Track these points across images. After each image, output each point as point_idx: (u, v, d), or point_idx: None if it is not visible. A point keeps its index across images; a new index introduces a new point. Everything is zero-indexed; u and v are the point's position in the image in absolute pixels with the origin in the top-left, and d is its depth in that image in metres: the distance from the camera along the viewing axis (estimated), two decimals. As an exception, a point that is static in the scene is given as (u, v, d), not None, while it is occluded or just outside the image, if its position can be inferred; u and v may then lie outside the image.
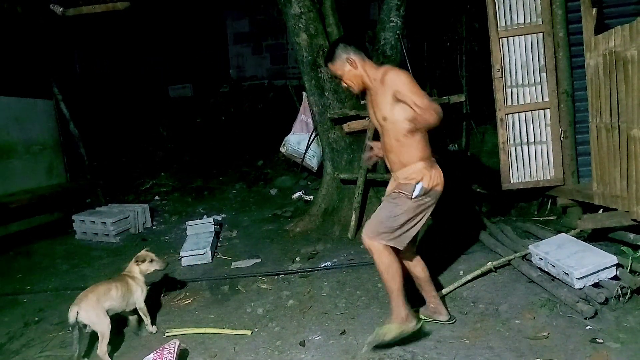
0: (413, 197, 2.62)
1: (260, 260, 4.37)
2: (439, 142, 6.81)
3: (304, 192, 6.26)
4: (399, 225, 2.62)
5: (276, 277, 3.94)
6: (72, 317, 2.82)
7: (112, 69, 8.61)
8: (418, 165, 2.67)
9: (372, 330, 2.91)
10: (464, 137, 6.53)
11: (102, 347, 2.83)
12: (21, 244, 5.31)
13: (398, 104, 2.58)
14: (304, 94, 5.53)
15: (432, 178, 2.66)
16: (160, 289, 3.87)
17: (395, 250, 2.68)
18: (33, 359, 3.03)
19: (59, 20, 6.28)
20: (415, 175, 2.65)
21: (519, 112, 4.55)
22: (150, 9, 8.18)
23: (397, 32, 5.06)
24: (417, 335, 2.75)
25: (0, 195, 5.29)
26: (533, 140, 4.56)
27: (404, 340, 2.74)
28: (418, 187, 2.62)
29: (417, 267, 2.92)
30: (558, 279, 3.16)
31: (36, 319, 3.59)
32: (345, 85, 2.80)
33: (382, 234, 2.62)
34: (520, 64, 4.51)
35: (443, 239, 4.19)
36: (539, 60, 4.48)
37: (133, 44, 9.00)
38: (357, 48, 2.74)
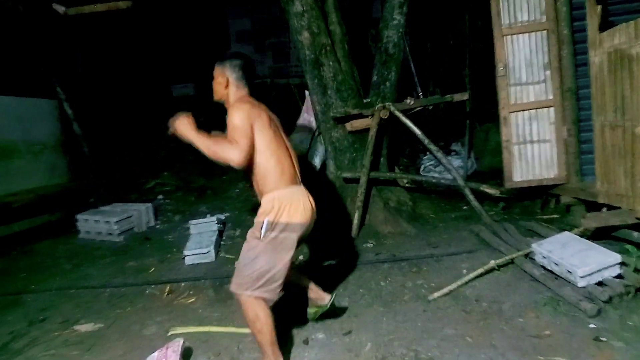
0: (262, 236, 2.43)
1: (263, 259, 4.37)
2: (442, 141, 6.81)
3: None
4: (258, 272, 2.42)
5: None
6: None
7: (115, 68, 8.61)
8: (270, 196, 2.48)
9: (375, 328, 2.93)
10: (467, 135, 6.52)
11: None
12: (24, 243, 5.33)
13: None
14: (306, 92, 5.52)
15: (280, 209, 2.44)
16: (164, 288, 3.88)
17: None
18: (37, 358, 3.03)
19: (61, 19, 6.28)
20: (264, 208, 2.47)
21: (522, 111, 4.54)
22: (153, 7, 8.18)
23: (400, 30, 5.05)
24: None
25: (3, 195, 5.30)
26: (537, 139, 4.55)
27: (406, 339, 2.75)
28: (265, 223, 2.43)
29: (303, 280, 2.94)
30: (561, 277, 3.15)
31: (40, 318, 3.60)
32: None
33: (245, 284, 2.43)
34: (524, 61, 4.50)
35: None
36: (543, 58, 4.46)
37: (135, 43, 9.00)
38: (244, 77, 2.64)
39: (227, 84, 2.63)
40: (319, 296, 2.96)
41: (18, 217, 5.41)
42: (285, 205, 2.46)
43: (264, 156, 2.46)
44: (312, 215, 2.59)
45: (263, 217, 2.45)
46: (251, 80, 2.69)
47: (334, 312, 3.05)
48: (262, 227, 2.43)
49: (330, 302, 2.94)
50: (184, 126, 2.46)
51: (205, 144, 2.36)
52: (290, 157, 2.62)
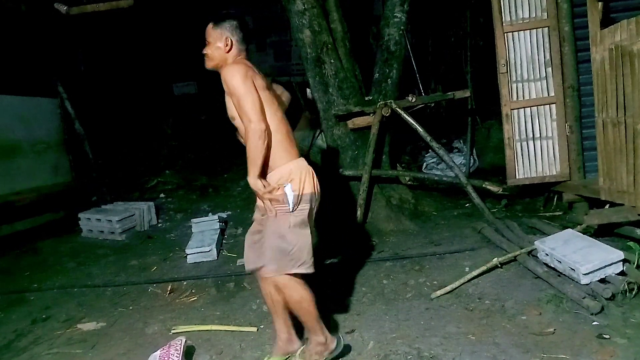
0: (290, 209, 2.34)
1: (265, 257, 4.37)
2: (444, 138, 6.80)
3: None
4: (292, 248, 2.34)
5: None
6: None
7: (117, 67, 8.61)
8: (286, 168, 2.38)
9: (378, 326, 2.93)
10: (469, 132, 6.51)
11: None
12: (27, 242, 5.34)
13: None
14: (308, 90, 5.52)
15: (301, 181, 2.37)
16: (166, 287, 3.89)
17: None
18: (41, 357, 3.04)
19: (62, 18, 6.28)
20: (281, 181, 2.36)
21: (524, 108, 4.53)
22: (154, 6, 8.18)
23: (402, 27, 5.04)
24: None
25: (6, 194, 5.31)
26: (539, 136, 4.54)
27: (408, 337, 2.75)
28: (290, 195, 2.34)
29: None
30: (564, 274, 3.15)
31: (43, 316, 3.61)
32: (204, 51, 2.51)
33: (283, 265, 2.34)
34: (526, 58, 4.49)
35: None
36: (544, 55, 4.45)
37: (137, 41, 9.01)
38: (244, 38, 2.49)
39: (230, 47, 2.45)
40: (291, 338, 2.61)
41: (21, 216, 5.43)
42: (302, 177, 2.39)
43: (271, 125, 2.34)
44: (318, 189, 2.50)
45: (283, 189, 2.34)
46: (249, 42, 2.54)
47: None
48: (289, 199, 2.33)
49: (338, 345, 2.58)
50: (255, 186, 2.33)
51: (254, 159, 2.28)
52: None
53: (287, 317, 2.57)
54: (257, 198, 2.47)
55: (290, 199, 2.35)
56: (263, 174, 2.35)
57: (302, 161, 2.47)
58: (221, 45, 2.45)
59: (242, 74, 2.28)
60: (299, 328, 2.65)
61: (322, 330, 2.50)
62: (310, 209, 2.43)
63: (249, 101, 2.25)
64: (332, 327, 2.97)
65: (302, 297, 2.41)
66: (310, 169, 2.47)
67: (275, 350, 2.62)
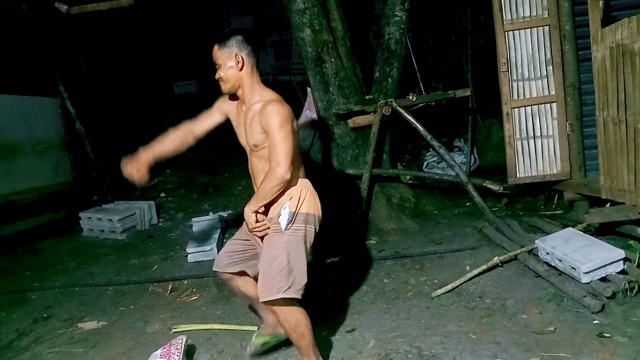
0: (284, 228, 2.29)
1: (266, 256, 4.38)
2: (444, 137, 6.80)
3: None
4: (287, 269, 2.24)
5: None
6: None
7: (117, 66, 8.62)
8: (293, 191, 2.36)
9: (378, 325, 2.93)
10: (469, 131, 6.51)
11: None
12: (29, 241, 5.34)
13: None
14: (308, 89, 5.51)
15: (304, 200, 2.34)
16: (167, 286, 3.90)
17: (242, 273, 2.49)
18: (42, 356, 3.05)
19: (63, 18, 6.29)
20: (285, 199, 2.34)
21: (525, 106, 4.53)
22: (155, 5, 8.18)
23: (402, 26, 5.04)
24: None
25: (7, 194, 5.32)
26: (539, 134, 4.54)
27: (409, 335, 2.75)
28: (287, 214, 2.30)
29: (249, 284, 2.56)
30: (565, 273, 3.15)
31: (45, 315, 3.62)
32: (217, 76, 2.42)
33: (277, 286, 2.21)
34: (526, 57, 4.48)
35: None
36: (545, 54, 4.45)
37: (137, 41, 9.01)
38: (253, 51, 2.39)
39: (242, 64, 2.35)
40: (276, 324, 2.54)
41: (22, 216, 5.43)
42: (302, 195, 2.35)
43: (294, 161, 2.32)
44: (319, 212, 2.45)
45: (286, 208, 2.31)
46: (258, 54, 2.45)
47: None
48: (284, 218, 2.29)
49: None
50: (248, 218, 2.36)
51: (264, 197, 2.29)
52: None
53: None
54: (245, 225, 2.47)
55: (285, 216, 2.30)
56: (264, 208, 2.37)
57: (307, 182, 2.44)
58: (233, 64, 2.35)
59: (288, 117, 2.26)
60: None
61: (317, 357, 2.40)
62: (306, 231, 2.34)
63: (286, 147, 2.22)
64: (333, 326, 2.98)
65: (298, 320, 2.29)
66: (314, 191, 2.42)
67: (263, 331, 2.63)
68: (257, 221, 2.35)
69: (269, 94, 2.37)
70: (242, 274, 2.55)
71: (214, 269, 2.64)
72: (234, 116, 2.54)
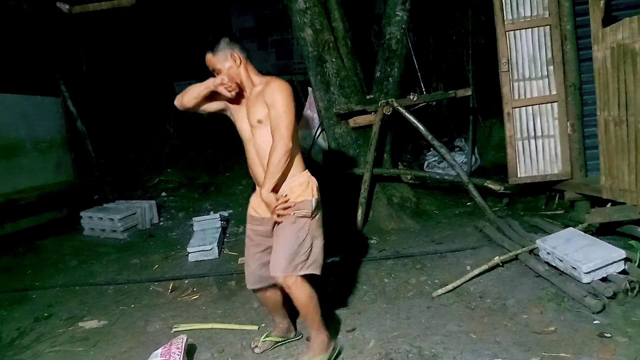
0: (312, 214, 2.46)
1: (266, 255, 4.38)
2: (445, 136, 6.80)
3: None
4: (310, 250, 2.46)
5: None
6: None
7: (119, 66, 8.63)
8: (304, 175, 2.53)
9: (379, 325, 2.93)
10: (470, 131, 6.50)
11: None
12: (30, 240, 5.36)
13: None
14: (309, 89, 5.52)
15: (315, 188, 2.53)
16: (168, 285, 3.90)
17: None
18: (43, 354, 3.06)
19: (65, 17, 6.30)
20: (304, 187, 2.49)
21: (526, 106, 4.52)
22: (156, 5, 8.19)
23: (403, 26, 5.04)
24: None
25: (9, 192, 5.33)
26: (540, 134, 4.53)
27: (410, 335, 2.75)
28: (314, 202, 2.48)
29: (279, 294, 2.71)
30: (566, 273, 3.15)
31: (46, 314, 3.63)
32: (219, 81, 2.51)
33: (297, 265, 2.41)
34: (527, 57, 4.48)
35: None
36: (546, 54, 4.44)
37: (139, 40, 9.02)
38: (242, 47, 2.56)
39: (240, 59, 2.52)
40: (289, 327, 2.85)
41: (24, 215, 5.44)
42: (316, 185, 2.54)
43: (294, 136, 2.46)
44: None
45: (310, 195, 2.47)
46: (247, 50, 2.62)
47: None
48: (312, 206, 2.45)
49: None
50: (268, 198, 2.42)
51: (275, 172, 2.39)
52: None
53: (285, 312, 2.74)
54: (252, 215, 2.65)
55: (313, 205, 2.47)
56: (275, 189, 2.46)
57: (308, 172, 2.60)
58: (232, 64, 2.50)
59: (291, 94, 2.43)
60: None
61: (325, 329, 2.58)
62: (320, 215, 2.56)
63: (289, 120, 2.38)
64: (334, 326, 2.98)
65: (310, 295, 2.47)
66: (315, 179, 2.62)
67: (275, 333, 2.83)
68: (277, 199, 2.44)
69: (268, 77, 2.56)
70: (274, 285, 2.63)
71: (250, 287, 2.69)
72: (234, 106, 2.64)
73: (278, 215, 2.43)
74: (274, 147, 2.37)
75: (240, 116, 2.58)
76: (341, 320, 3.07)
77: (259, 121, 2.45)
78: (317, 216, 2.53)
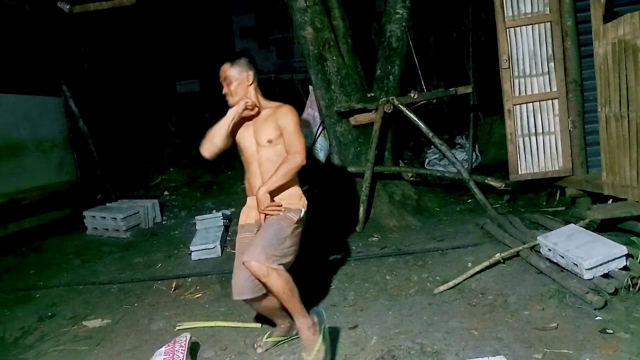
0: (296, 222, 2.65)
1: (269, 253, 4.39)
2: (446, 134, 6.79)
3: (311, 185, 6.27)
4: (286, 251, 2.57)
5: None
6: None
7: (120, 65, 8.65)
8: (298, 189, 2.80)
9: (381, 322, 2.94)
10: (471, 128, 6.50)
11: None
12: (33, 240, 5.37)
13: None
14: (310, 87, 5.53)
15: (305, 202, 2.79)
16: (171, 284, 3.92)
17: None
18: (47, 353, 3.07)
19: (66, 17, 6.31)
20: (299, 198, 2.77)
21: (526, 103, 4.52)
22: (157, 4, 8.20)
23: (403, 24, 5.04)
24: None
25: (11, 192, 5.35)
26: (541, 131, 4.53)
27: (412, 332, 2.76)
28: (303, 213, 2.72)
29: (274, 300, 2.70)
30: (567, 269, 3.15)
31: (49, 313, 3.64)
32: (225, 91, 2.81)
33: (271, 259, 2.47)
34: (528, 54, 4.48)
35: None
36: (546, 50, 4.44)
37: (140, 40, 9.03)
38: (257, 70, 2.85)
39: (252, 80, 2.77)
40: (292, 326, 2.79)
41: (27, 214, 5.46)
42: (305, 201, 2.78)
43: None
44: None
45: (301, 206, 2.72)
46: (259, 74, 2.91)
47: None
48: (300, 215, 2.67)
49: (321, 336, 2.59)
50: (263, 196, 2.64)
51: (281, 178, 2.63)
52: None
53: (285, 313, 2.72)
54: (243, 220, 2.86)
55: (302, 214, 2.69)
56: (272, 195, 2.67)
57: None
58: (243, 81, 2.76)
59: (299, 119, 2.76)
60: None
61: (306, 312, 2.59)
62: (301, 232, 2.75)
63: (303, 141, 2.69)
64: (336, 323, 2.99)
65: (286, 280, 2.49)
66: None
67: (277, 333, 2.84)
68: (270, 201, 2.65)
69: (275, 102, 2.85)
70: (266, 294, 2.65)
71: (236, 297, 2.66)
72: (238, 123, 2.85)
73: (266, 216, 2.65)
74: (288, 159, 2.63)
75: (245, 135, 2.81)
76: (343, 317, 3.08)
77: (269, 141, 2.72)
78: (300, 229, 2.70)
